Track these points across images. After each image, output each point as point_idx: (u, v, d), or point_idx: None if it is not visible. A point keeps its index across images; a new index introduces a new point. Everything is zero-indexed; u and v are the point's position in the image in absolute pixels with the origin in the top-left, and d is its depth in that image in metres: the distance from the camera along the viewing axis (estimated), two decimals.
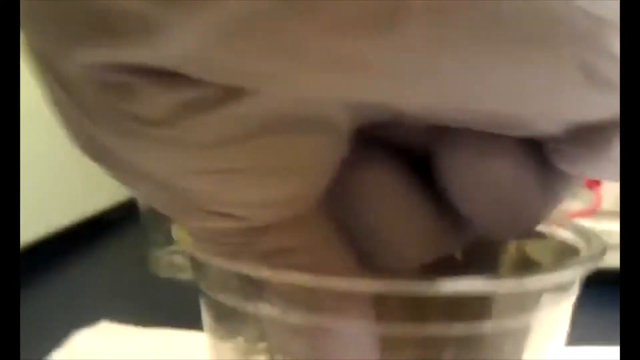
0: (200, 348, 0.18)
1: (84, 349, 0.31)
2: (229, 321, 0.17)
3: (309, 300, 0.14)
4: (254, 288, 0.15)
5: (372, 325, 0.14)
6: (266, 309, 0.15)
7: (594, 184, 0.42)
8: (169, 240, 0.39)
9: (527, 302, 0.15)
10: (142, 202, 0.42)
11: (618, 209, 0.19)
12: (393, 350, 0.15)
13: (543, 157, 0.14)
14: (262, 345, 0.16)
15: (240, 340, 0.17)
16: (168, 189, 0.13)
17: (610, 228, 0.38)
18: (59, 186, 0.45)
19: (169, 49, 0.10)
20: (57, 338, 0.32)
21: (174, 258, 0.42)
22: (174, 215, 0.14)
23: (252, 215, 0.13)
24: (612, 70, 0.12)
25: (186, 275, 0.41)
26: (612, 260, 0.18)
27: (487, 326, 0.15)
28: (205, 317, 0.18)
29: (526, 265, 0.18)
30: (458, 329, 0.15)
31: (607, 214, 0.42)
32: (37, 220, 0.41)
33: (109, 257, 0.48)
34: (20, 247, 0.37)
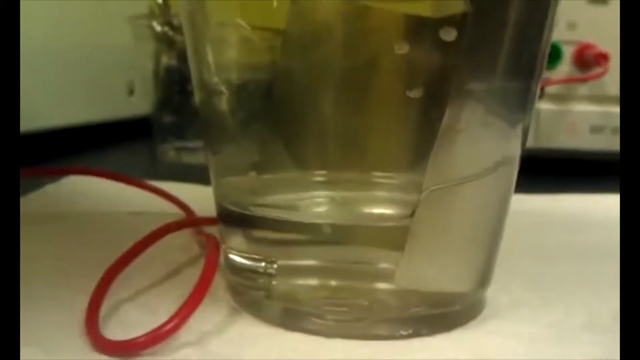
0: None
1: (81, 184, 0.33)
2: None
3: None
4: None
5: None
6: None
7: (601, 58, 0.44)
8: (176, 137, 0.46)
9: None
10: None
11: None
12: None
13: None
14: None
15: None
16: None
17: (613, 110, 0.44)
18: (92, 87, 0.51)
19: None
20: None
21: (180, 151, 0.47)
22: None
23: None
24: None
25: (190, 159, 0.45)
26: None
27: None
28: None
29: None
30: None
31: (612, 99, 0.45)
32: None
33: (121, 153, 0.53)
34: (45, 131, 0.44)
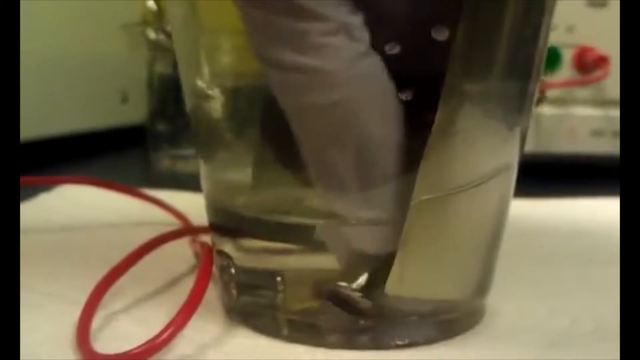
0: None
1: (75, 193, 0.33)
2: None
3: None
4: None
5: None
6: None
7: (601, 61, 0.44)
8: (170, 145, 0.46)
9: None
10: None
11: None
12: None
13: None
14: None
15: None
16: None
17: (613, 114, 0.44)
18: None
19: None
20: None
21: (175, 159, 0.46)
22: None
23: None
24: None
25: (185, 168, 0.44)
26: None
27: None
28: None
29: None
30: None
31: (612, 103, 0.44)
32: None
33: (115, 162, 0.52)
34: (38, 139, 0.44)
